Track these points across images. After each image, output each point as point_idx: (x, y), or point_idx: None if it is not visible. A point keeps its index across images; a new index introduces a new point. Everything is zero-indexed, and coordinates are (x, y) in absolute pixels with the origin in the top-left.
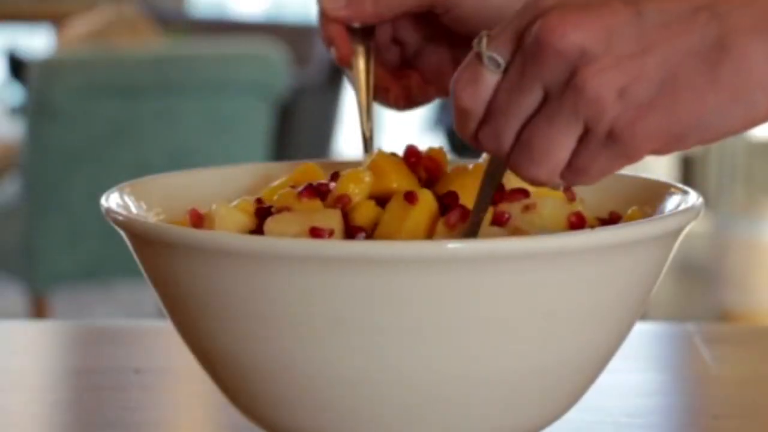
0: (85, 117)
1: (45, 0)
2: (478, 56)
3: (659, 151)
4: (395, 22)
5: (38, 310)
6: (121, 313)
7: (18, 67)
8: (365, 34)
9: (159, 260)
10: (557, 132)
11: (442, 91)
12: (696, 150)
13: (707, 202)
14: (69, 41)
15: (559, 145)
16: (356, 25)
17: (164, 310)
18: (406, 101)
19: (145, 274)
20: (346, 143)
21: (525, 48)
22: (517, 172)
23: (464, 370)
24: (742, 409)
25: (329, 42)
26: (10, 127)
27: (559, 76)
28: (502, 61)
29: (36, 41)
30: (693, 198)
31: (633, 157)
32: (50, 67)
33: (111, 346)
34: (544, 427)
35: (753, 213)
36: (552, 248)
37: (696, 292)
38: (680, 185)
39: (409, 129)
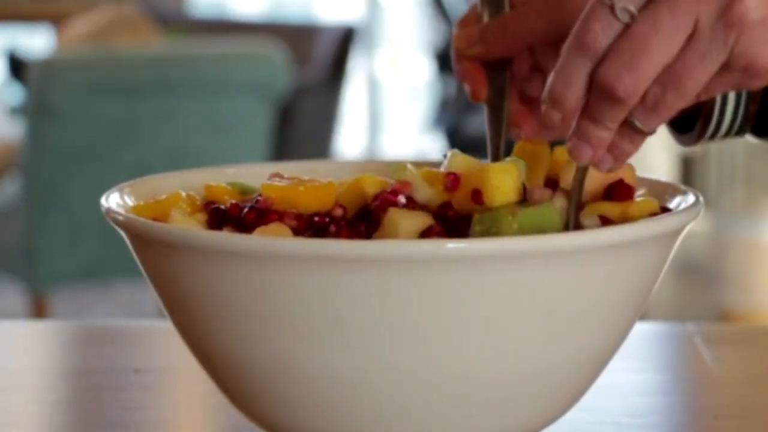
0: (85, 117)
1: (45, 0)
2: (606, 6)
3: None
4: (534, 50)
5: (38, 310)
6: (121, 313)
7: (18, 67)
8: (502, 67)
9: (159, 260)
10: (708, 64)
11: None
12: (696, 150)
13: (707, 202)
14: (69, 41)
15: (704, 76)
16: (487, 60)
17: (164, 310)
18: (540, 129)
19: (145, 274)
20: (346, 143)
21: None
22: (655, 114)
23: (464, 370)
24: (742, 409)
25: (462, 78)
26: (10, 127)
27: (713, 11)
28: (635, 10)
29: (36, 41)
30: (693, 198)
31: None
32: (50, 67)
33: (111, 346)
34: (544, 427)
35: (753, 213)
36: (552, 248)
37: (696, 292)
38: (680, 185)
39: (409, 130)
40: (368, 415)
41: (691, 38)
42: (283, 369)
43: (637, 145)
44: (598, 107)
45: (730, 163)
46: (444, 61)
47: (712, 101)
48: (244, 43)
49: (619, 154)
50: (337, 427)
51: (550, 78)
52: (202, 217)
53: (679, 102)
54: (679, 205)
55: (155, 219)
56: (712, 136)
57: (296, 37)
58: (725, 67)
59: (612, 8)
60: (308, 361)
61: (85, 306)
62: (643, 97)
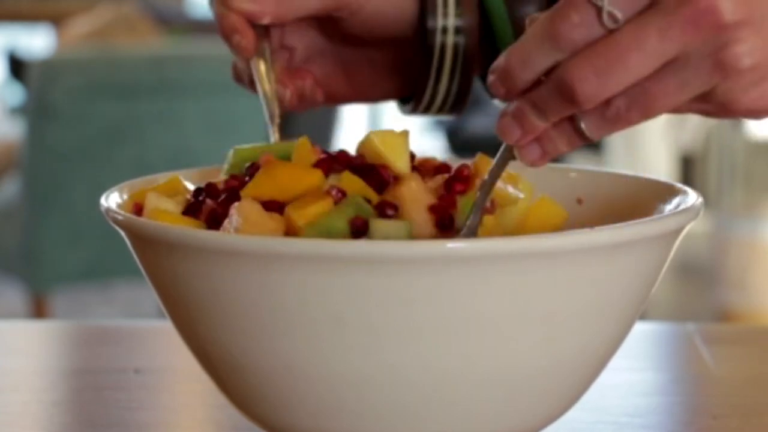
0: (85, 117)
1: (45, 0)
2: (592, 5)
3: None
4: (285, 27)
5: (38, 310)
6: (121, 313)
7: (18, 67)
8: (263, 34)
9: (159, 260)
10: (685, 94)
11: (331, 98)
12: (696, 150)
13: (707, 202)
14: (69, 41)
15: (677, 103)
16: (258, 22)
17: (164, 310)
18: (299, 101)
19: (145, 274)
20: (346, 143)
21: (668, 11)
22: (609, 126)
23: (463, 370)
24: (742, 409)
25: (231, 31)
26: (10, 127)
27: (704, 47)
28: (621, 17)
29: (36, 41)
30: (693, 198)
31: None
32: (50, 67)
33: (111, 346)
34: (544, 427)
35: (753, 213)
36: (552, 248)
37: (696, 292)
38: (680, 185)
39: (409, 130)
40: (368, 414)
41: (672, 63)
42: (283, 369)
43: (571, 148)
44: (548, 99)
45: (730, 163)
46: None
47: (426, 81)
48: None
49: (550, 150)
50: (337, 426)
51: (509, 51)
52: (182, 199)
53: (640, 119)
54: (678, 205)
55: (137, 205)
56: (426, 110)
57: None
58: (701, 98)
59: (599, 10)
60: (308, 360)
61: (85, 306)
62: (603, 106)
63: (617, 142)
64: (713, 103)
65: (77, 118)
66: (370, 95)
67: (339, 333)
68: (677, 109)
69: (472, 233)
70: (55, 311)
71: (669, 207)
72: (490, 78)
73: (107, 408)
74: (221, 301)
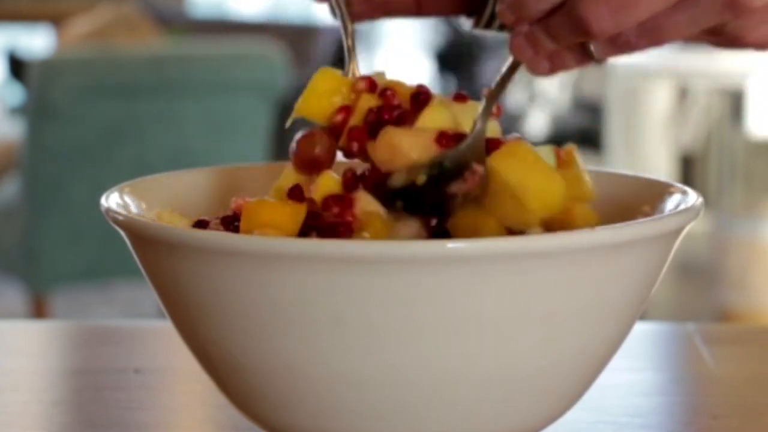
0: (85, 117)
1: (45, 0)
2: None
3: None
4: None
5: (38, 310)
6: (121, 313)
7: (18, 67)
8: None
9: (159, 260)
10: (695, 28)
11: (393, 10)
12: (696, 150)
13: (707, 202)
14: (69, 41)
15: (686, 35)
16: None
17: (164, 311)
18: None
19: (145, 274)
20: None
21: None
22: (618, 51)
23: (464, 370)
24: (742, 409)
25: None
26: (10, 127)
27: None
28: None
29: (36, 41)
30: (693, 198)
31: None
32: (50, 67)
33: (111, 346)
34: (544, 427)
35: (753, 213)
36: (552, 248)
37: (696, 292)
38: (680, 185)
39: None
40: (368, 414)
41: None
42: (283, 369)
43: (580, 66)
44: (562, 29)
45: (730, 163)
46: (444, 61)
47: None
48: (244, 43)
49: (559, 65)
50: (337, 426)
51: None
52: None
53: (648, 47)
54: (679, 205)
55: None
56: (487, 27)
57: (296, 37)
58: (711, 30)
59: None
60: (308, 360)
61: (85, 306)
62: (614, 35)
63: (617, 141)
64: (722, 37)
65: (77, 118)
66: (431, 9)
67: (339, 333)
68: (686, 39)
69: (480, 138)
70: (55, 311)
71: (669, 207)
72: (501, 6)
73: (107, 408)
74: (221, 301)
